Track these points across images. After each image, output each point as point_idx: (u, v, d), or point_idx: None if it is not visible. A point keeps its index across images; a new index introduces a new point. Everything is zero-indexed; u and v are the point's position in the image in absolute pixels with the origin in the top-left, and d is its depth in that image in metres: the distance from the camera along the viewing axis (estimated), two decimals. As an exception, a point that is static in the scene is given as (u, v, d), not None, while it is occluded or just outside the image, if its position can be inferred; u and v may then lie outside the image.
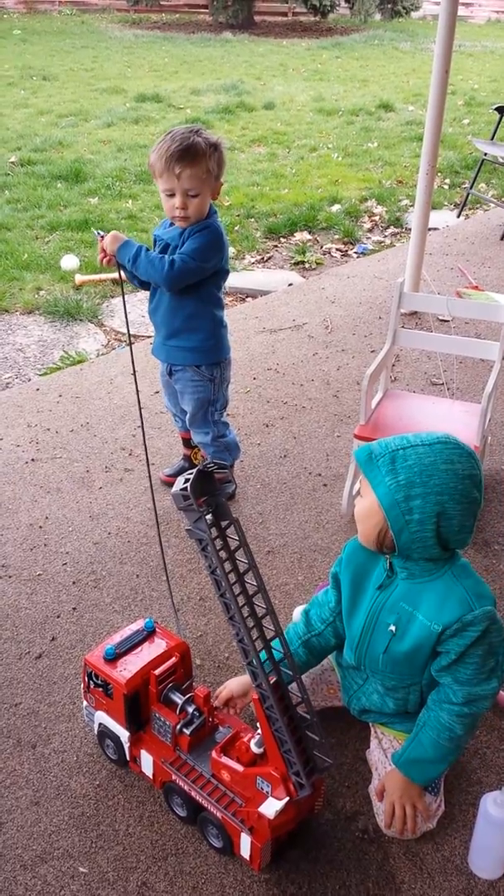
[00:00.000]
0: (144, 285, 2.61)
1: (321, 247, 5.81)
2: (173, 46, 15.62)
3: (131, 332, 4.35)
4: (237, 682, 1.97)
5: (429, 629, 1.66)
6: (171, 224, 2.55)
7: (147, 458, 2.33)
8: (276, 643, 1.65)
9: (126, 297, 4.66)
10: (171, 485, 2.83)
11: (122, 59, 13.94)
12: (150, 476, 2.46)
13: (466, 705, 1.67)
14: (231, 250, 5.29)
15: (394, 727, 1.88)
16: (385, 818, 1.77)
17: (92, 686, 1.90)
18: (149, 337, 4.20)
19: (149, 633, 1.94)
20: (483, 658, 1.65)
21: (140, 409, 2.40)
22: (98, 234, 2.52)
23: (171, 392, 2.82)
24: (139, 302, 4.57)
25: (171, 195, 2.43)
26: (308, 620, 1.96)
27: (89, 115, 9.37)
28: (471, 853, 1.76)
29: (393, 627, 1.71)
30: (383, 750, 1.87)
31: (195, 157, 2.37)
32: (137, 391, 2.41)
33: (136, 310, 4.40)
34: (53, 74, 11.99)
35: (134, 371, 2.31)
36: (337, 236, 5.95)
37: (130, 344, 2.39)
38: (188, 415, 2.78)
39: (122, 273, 2.54)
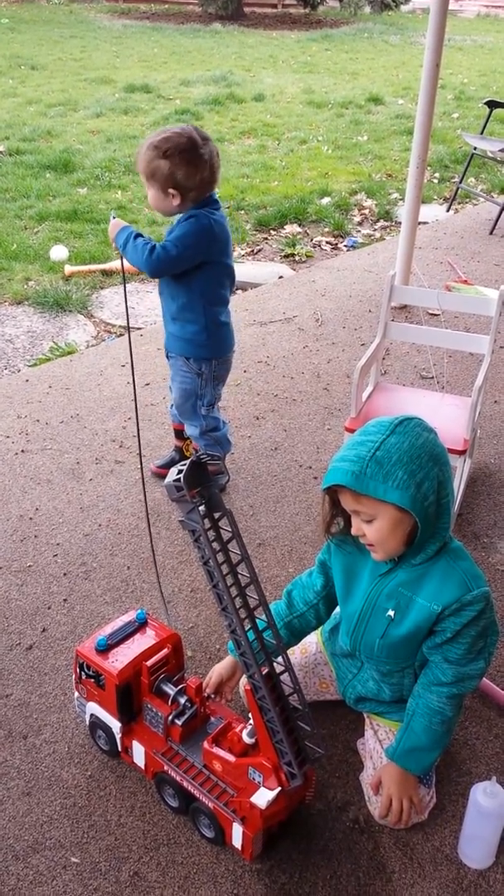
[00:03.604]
0: None
1: (311, 239, 5.80)
2: (162, 37, 15.53)
3: (121, 324, 4.35)
4: (223, 665, 1.95)
5: (428, 610, 1.67)
6: None
7: (140, 449, 2.33)
8: (268, 633, 1.66)
9: (118, 287, 4.66)
10: (162, 476, 2.83)
11: (110, 49, 13.85)
12: (141, 467, 2.46)
13: (455, 685, 1.69)
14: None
15: (390, 717, 1.89)
16: (381, 810, 1.79)
17: (83, 677, 1.90)
18: (139, 328, 4.20)
19: (140, 625, 1.94)
20: (475, 638, 1.67)
21: (136, 399, 2.38)
22: (112, 216, 2.59)
23: None
24: (132, 293, 4.56)
25: None
26: (290, 601, 1.96)
27: (78, 105, 9.31)
28: (460, 843, 1.77)
29: (391, 613, 1.72)
30: (379, 741, 1.88)
31: (140, 151, 2.45)
32: (134, 382, 2.40)
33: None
34: (42, 64, 11.91)
35: (132, 362, 2.31)
36: (327, 229, 5.95)
37: (129, 333, 2.38)
38: (175, 403, 2.78)
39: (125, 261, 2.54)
